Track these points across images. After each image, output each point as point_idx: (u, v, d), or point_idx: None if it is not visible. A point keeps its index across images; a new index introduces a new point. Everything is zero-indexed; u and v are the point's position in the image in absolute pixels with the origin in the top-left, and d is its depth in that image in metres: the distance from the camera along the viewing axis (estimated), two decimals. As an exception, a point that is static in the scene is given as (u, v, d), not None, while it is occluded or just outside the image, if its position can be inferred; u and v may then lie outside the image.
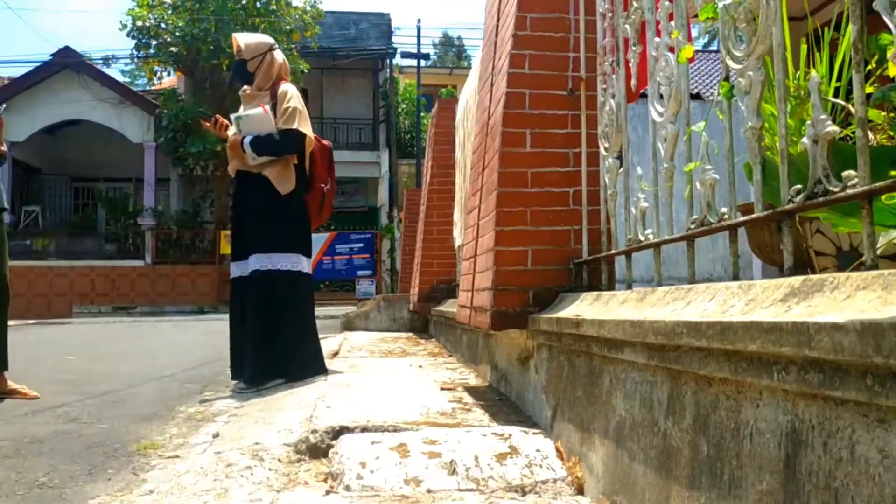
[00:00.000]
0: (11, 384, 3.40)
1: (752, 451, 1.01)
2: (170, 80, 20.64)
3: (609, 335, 1.53)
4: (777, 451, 0.95)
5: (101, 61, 19.42)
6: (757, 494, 0.99)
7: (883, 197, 1.20)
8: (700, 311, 1.19)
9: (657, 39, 1.64)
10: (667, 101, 1.59)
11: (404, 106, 24.12)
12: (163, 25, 17.44)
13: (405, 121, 24.00)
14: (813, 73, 1.08)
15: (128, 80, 30.55)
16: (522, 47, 2.49)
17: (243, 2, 17.61)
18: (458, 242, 5.59)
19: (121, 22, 17.59)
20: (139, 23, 17.41)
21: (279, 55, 3.89)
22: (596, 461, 1.67)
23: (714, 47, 19.20)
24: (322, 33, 19.43)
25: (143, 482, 1.94)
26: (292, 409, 2.70)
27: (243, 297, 3.67)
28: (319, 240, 14.90)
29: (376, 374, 3.69)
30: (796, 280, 0.99)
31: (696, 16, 1.66)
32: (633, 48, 1.88)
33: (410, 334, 7.34)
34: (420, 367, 4.11)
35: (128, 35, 17.54)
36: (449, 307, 5.10)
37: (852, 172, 0.97)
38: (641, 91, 1.92)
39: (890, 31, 0.91)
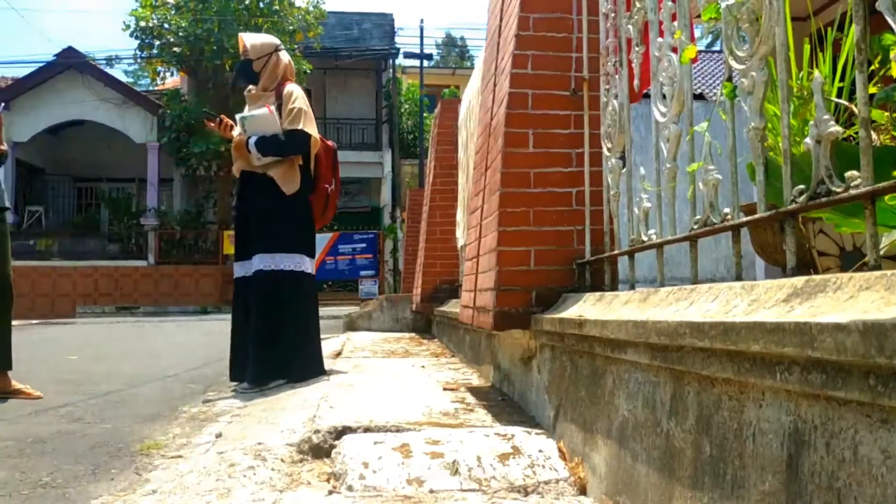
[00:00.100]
0: (15, 384, 3.41)
1: (754, 452, 1.01)
2: (173, 80, 20.68)
3: (612, 335, 1.53)
4: (780, 452, 0.95)
5: (104, 61, 19.52)
6: (759, 495, 0.99)
7: (886, 197, 1.19)
8: (703, 312, 1.18)
9: (660, 40, 1.64)
10: (670, 102, 1.59)
11: (407, 106, 24.14)
12: (166, 26, 17.47)
13: (408, 121, 24.01)
14: (816, 73, 1.08)
15: (131, 80, 30.67)
16: (525, 47, 2.49)
17: (246, 2, 17.63)
18: (460, 243, 5.59)
19: (124, 22, 17.62)
20: (142, 23, 17.44)
21: (285, 56, 3.89)
22: (599, 461, 1.66)
23: (717, 48, 19.21)
24: (325, 34, 19.45)
25: (147, 482, 1.94)
26: (295, 409, 2.70)
27: (247, 298, 3.67)
28: (322, 240, 14.90)
29: (379, 375, 3.69)
30: (799, 280, 0.99)
31: (698, 16, 1.66)
32: (636, 48, 1.88)
33: (413, 334, 7.34)
34: (423, 367, 4.11)
35: (131, 35, 17.57)
36: (452, 307, 5.10)
37: (855, 173, 0.97)
38: (644, 91, 1.92)
39: (893, 32, 0.91)
